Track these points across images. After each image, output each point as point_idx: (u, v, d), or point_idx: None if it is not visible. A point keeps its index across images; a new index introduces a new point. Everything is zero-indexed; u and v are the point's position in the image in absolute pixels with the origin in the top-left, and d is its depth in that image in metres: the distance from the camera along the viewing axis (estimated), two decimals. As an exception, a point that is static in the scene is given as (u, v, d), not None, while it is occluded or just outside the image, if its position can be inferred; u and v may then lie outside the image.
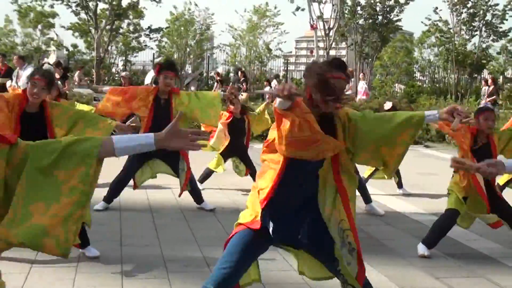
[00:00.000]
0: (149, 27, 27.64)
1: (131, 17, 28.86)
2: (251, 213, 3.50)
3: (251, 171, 8.82)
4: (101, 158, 2.71)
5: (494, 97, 20.68)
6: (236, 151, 8.78)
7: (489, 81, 21.30)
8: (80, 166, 2.66)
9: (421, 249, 5.97)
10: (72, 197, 2.67)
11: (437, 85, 30.37)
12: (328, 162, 3.47)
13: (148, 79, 24.82)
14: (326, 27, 26.23)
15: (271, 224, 3.48)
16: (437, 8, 28.02)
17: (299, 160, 3.37)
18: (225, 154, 8.74)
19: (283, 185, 3.42)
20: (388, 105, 8.66)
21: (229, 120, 8.54)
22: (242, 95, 20.89)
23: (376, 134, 3.54)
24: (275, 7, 31.74)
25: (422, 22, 28.79)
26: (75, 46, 31.99)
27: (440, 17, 28.16)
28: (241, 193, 8.79)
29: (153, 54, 31.99)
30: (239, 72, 24.91)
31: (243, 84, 22.29)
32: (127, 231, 6.27)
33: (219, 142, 8.63)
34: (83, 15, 25.97)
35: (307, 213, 3.52)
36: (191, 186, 7.54)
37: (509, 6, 27.50)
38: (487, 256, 6.07)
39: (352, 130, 3.51)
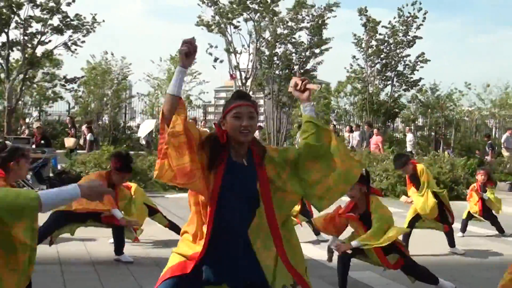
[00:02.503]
0: (64, 77, 27.16)
1: (47, 65, 28.33)
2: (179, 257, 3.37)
3: (171, 225, 8.75)
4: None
5: None
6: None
7: (376, 130, 22.94)
8: (23, 219, 2.71)
9: None
10: (25, 254, 2.69)
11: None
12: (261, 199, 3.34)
13: (143, 131, 24.44)
14: (243, 77, 26.57)
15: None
16: (355, 56, 28.92)
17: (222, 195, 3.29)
18: None
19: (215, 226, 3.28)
20: None
21: None
22: (70, 140, 20.72)
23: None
24: (193, 56, 31.94)
25: (345, 67, 29.57)
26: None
27: (359, 64, 29.05)
28: (155, 245, 8.61)
29: (69, 104, 31.49)
30: (68, 118, 24.68)
31: (72, 129, 22.03)
32: (33, 286, 5.99)
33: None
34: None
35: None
36: (118, 235, 7.47)
37: (420, 58, 28.71)
38: (367, 285, 6.16)
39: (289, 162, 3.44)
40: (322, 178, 3.45)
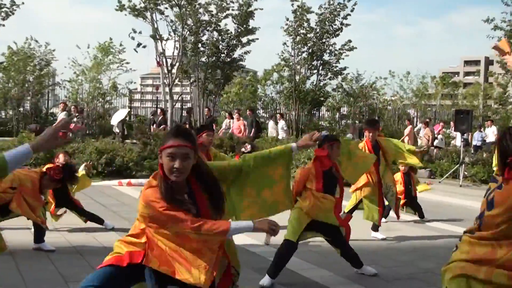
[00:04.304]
0: (-19, 61, 26.15)
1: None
2: None
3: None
4: None
5: None
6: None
7: (236, 115, 23.16)
8: None
9: (263, 280, 6.05)
10: None
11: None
12: None
13: (115, 120, 23.60)
14: (170, 64, 26.19)
15: None
16: (285, 43, 28.75)
17: None
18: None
19: None
20: (248, 147, 8.60)
21: None
22: None
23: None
24: (120, 44, 31.19)
25: (277, 53, 29.33)
26: None
27: (289, 51, 28.96)
28: (77, 233, 8.44)
29: (-12, 90, 30.30)
30: None
31: None
32: None
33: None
34: None
35: None
36: (36, 225, 7.29)
37: (346, 46, 28.97)
38: (320, 284, 6.24)
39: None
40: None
